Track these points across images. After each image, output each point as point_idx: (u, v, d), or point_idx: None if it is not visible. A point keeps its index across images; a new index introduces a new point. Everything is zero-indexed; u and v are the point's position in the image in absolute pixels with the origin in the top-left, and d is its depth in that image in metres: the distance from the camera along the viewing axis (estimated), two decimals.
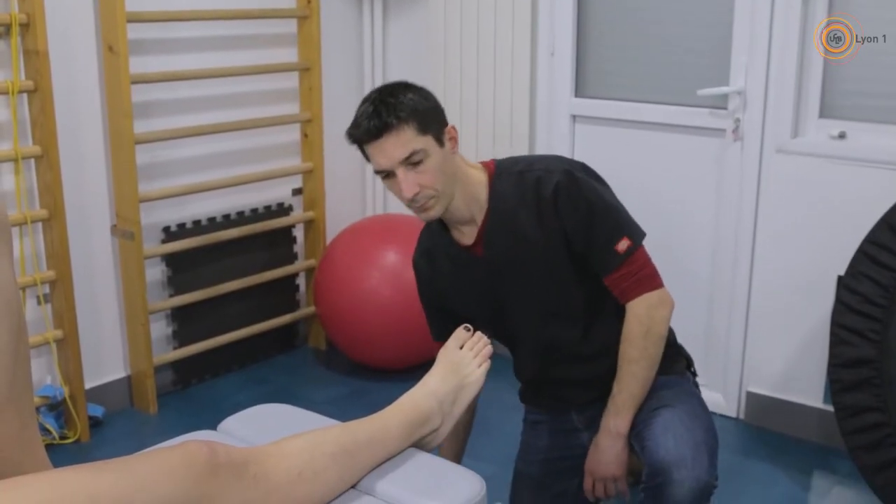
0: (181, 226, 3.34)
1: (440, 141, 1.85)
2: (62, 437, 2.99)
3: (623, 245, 1.89)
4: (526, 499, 2.17)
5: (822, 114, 2.85)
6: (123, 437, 3.07)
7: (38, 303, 2.91)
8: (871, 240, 2.47)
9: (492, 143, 3.39)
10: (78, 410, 2.98)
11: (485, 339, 1.72)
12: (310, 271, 3.73)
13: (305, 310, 3.77)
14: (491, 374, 1.70)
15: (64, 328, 2.93)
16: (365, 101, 1.85)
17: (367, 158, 1.87)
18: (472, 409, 2.06)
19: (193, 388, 3.44)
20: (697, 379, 2.14)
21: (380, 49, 3.76)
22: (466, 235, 1.97)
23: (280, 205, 3.66)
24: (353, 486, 1.43)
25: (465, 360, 1.66)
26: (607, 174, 2.04)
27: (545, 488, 2.14)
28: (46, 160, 2.80)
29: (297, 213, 3.71)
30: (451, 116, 3.34)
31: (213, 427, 1.68)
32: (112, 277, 3.18)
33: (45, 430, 2.93)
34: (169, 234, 3.30)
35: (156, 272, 3.30)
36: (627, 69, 3.24)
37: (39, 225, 2.88)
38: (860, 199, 2.73)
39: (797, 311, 2.95)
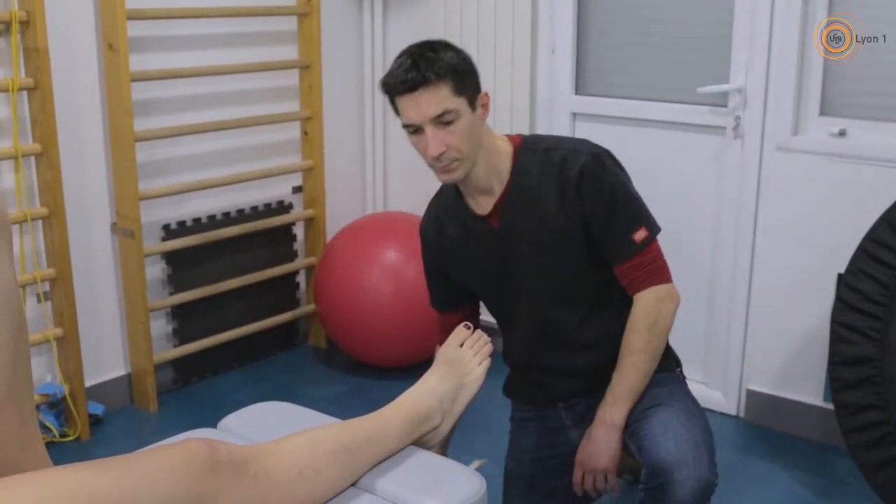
0: (181, 224, 3.34)
1: (473, 105, 1.85)
2: (62, 436, 2.99)
3: (640, 235, 1.90)
4: (517, 498, 2.16)
5: (823, 111, 2.85)
6: (123, 435, 3.07)
7: (38, 301, 2.90)
8: (872, 237, 2.47)
9: None
10: (78, 408, 2.98)
11: (485, 337, 1.72)
12: (310, 269, 3.73)
13: (305, 308, 3.77)
14: (491, 371, 1.70)
15: (64, 326, 2.93)
16: (403, 53, 1.84)
17: (396, 111, 1.86)
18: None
19: (193, 386, 3.44)
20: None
21: (380, 46, 3.75)
22: (481, 205, 1.97)
23: (280, 202, 3.66)
24: (353, 484, 1.43)
25: (465, 358, 1.67)
26: None
27: (536, 487, 2.13)
28: (46, 158, 2.80)
29: (298, 211, 3.71)
30: None
31: (214, 425, 1.68)
32: (112, 275, 3.18)
33: (45, 429, 2.93)
34: (169, 232, 3.30)
35: (156, 270, 3.30)
36: (628, 67, 3.24)
37: (39, 223, 2.88)
38: (860, 196, 2.72)
39: (797, 309, 2.95)
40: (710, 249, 3.13)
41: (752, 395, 3.11)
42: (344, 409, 2.80)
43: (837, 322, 2.50)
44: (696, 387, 3.19)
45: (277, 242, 3.66)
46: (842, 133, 2.80)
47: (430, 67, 1.79)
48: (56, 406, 2.99)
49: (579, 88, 3.33)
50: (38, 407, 2.92)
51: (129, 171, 3.02)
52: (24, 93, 2.77)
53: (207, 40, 3.32)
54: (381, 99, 3.78)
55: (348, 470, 1.41)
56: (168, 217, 3.30)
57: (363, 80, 3.80)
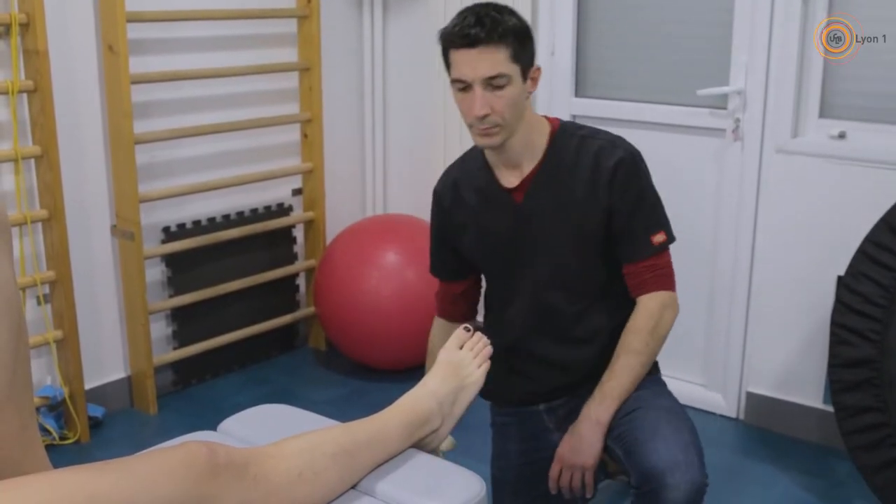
0: (181, 226, 3.34)
1: (525, 75, 1.85)
2: (62, 438, 2.99)
3: (659, 238, 1.93)
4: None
5: (822, 114, 2.85)
6: (123, 437, 3.07)
7: (38, 303, 2.90)
8: (872, 240, 2.47)
9: None
10: (78, 411, 2.98)
11: (484, 339, 1.71)
12: (310, 272, 3.72)
13: (305, 310, 3.77)
14: None
15: (64, 328, 2.93)
16: (468, 9, 1.83)
17: (447, 65, 1.85)
18: None
19: (193, 389, 3.44)
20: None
21: (380, 49, 3.76)
22: (507, 179, 1.97)
23: (280, 205, 3.66)
24: (353, 487, 1.43)
25: (464, 360, 1.66)
26: None
27: (522, 494, 2.12)
28: (46, 160, 2.80)
29: (297, 214, 3.71)
30: (452, 116, 3.36)
31: (213, 427, 1.68)
32: (112, 278, 3.18)
33: (45, 431, 2.93)
34: (169, 235, 3.30)
35: (156, 272, 3.30)
36: (627, 69, 3.24)
37: (39, 225, 2.88)
38: (860, 198, 2.73)
39: (797, 312, 2.95)
40: (711, 252, 3.13)
41: (751, 397, 3.11)
42: (344, 411, 2.80)
43: (837, 324, 2.50)
44: (695, 389, 3.21)
45: (277, 245, 3.66)
46: (841, 135, 2.80)
47: (495, 28, 1.78)
48: (56, 408, 2.98)
49: (579, 90, 3.34)
50: (37, 409, 2.92)
51: (129, 174, 3.02)
52: (24, 95, 2.77)
53: (207, 42, 3.32)
54: (382, 100, 3.81)
55: (348, 472, 1.41)
56: (168, 219, 3.30)
57: (363, 83, 3.80)
